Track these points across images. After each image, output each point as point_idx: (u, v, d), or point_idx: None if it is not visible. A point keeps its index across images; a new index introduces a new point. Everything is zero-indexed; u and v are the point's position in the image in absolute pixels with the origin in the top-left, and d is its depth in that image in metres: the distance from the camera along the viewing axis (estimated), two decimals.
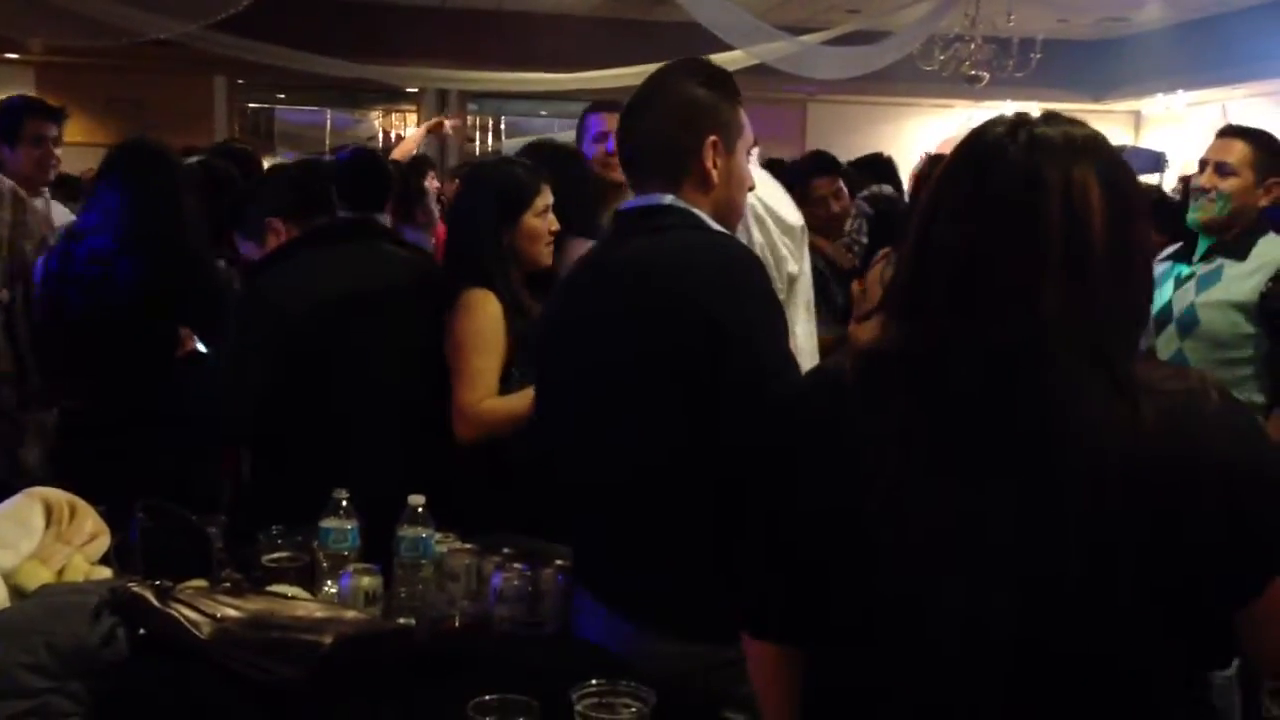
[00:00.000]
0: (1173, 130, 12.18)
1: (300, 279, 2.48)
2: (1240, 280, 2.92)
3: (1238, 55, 9.97)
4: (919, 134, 12.95)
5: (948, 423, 1.18)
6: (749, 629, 1.39)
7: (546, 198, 2.57)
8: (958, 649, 1.16)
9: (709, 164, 1.84)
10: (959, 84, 9.62)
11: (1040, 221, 1.16)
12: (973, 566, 1.15)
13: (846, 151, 8.47)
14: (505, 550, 2.01)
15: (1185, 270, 3.05)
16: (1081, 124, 1.24)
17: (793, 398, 1.38)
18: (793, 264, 2.59)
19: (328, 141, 12.26)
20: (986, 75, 9.18)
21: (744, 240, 2.47)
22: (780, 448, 1.32)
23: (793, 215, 2.61)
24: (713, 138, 1.84)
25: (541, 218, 2.56)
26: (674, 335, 1.74)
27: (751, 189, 2.04)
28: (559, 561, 1.96)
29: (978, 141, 1.24)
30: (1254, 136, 3.06)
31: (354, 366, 2.47)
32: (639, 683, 1.49)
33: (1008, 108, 12.12)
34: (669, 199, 1.83)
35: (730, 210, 1.92)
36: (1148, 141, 12.20)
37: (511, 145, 13.13)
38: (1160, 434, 1.12)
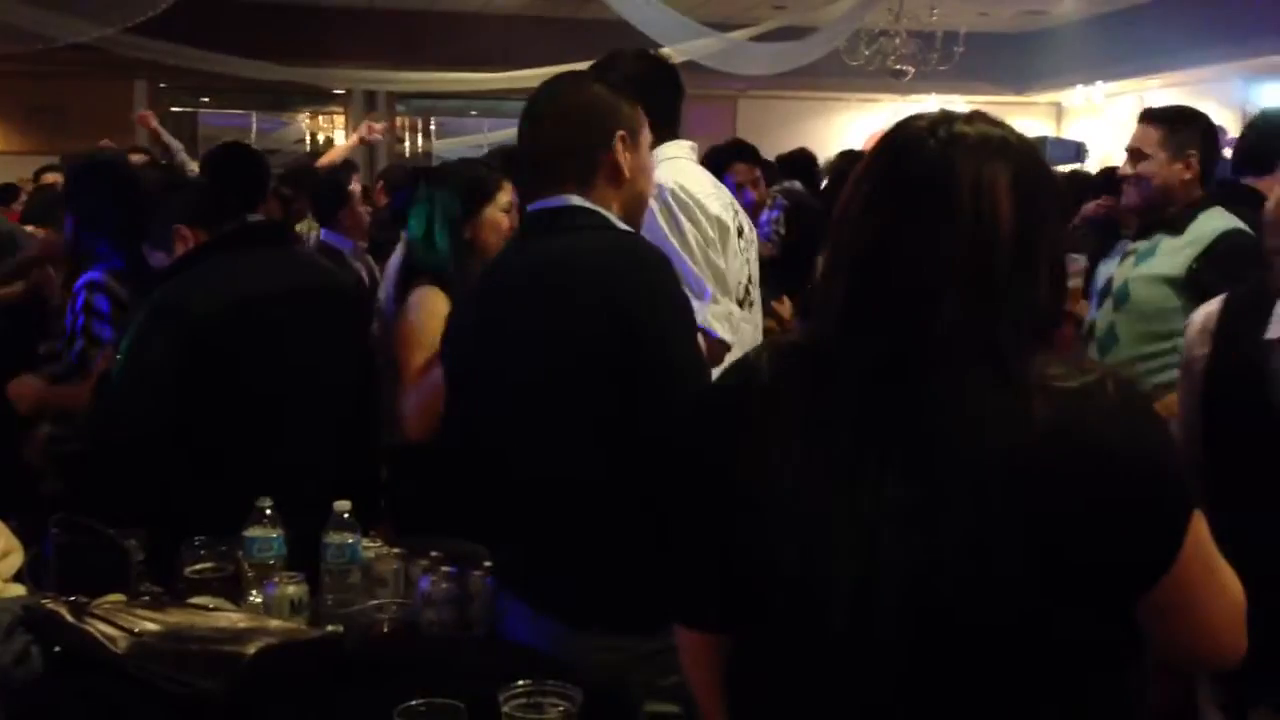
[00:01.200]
0: (1092, 121, 12.46)
1: (209, 285, 2.43)
2: (1172, 255, 2.95)
3: (1153, 47, 10.22)
4: (848, 128, 13.09)
5: (844, 418, 1.19)
6: (676, 618, 1.42)
7: (509, 194, 2.62)
8: (854, 641, 1.17)
9: (621, 159, 1.86)
10: (885, 78, 9.75)
11: (948, 217, 1.16)
12: (865, 562, 1.16)
13: (778, 146, 8.55)
14: (433, 554, 2.00)
15: (1130, 245, 3.12)
16: (1002, 125, 1.24)
17: (709, 390, 1.39)
18: (719, 256, 2.54)
19: (253, 145, 12.07)
20: (911, 69, 9.32)
21: (672, 229, 2.46)
22: (695, 437, 1.33)
23: (714, 207, 2.55)
24: (621, 133, 1.88)
25: (506, 214, 2.61)
26: (590, 334, 1.75)
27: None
28: (487, 563, 1.95)
29: (897, 135, 1.25)
30: (1160, 116, 3.13)
31: (270, 373, 2.43)
32: (566, 681, 1.49)
33: (933, 101, 12.39)
34: (576, 200, 1.84)
35: (640, 205, 1.96)
36: (1069, 132, 12.46)
37: (443, 146, 13.04)
38: (1051, 431, 1.12)
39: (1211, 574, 1.22)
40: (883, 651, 1.17)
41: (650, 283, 1.78)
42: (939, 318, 1.15)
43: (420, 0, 10.68)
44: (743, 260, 2.64)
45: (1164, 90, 11.51)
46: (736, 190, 4.39)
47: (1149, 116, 3.17)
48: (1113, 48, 10.94)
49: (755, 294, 2.69)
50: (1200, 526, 1.19)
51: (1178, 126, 3.05)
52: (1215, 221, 2.94)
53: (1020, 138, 1.24)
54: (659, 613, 1.79)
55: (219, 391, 2.36)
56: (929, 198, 1.18)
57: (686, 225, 2.49)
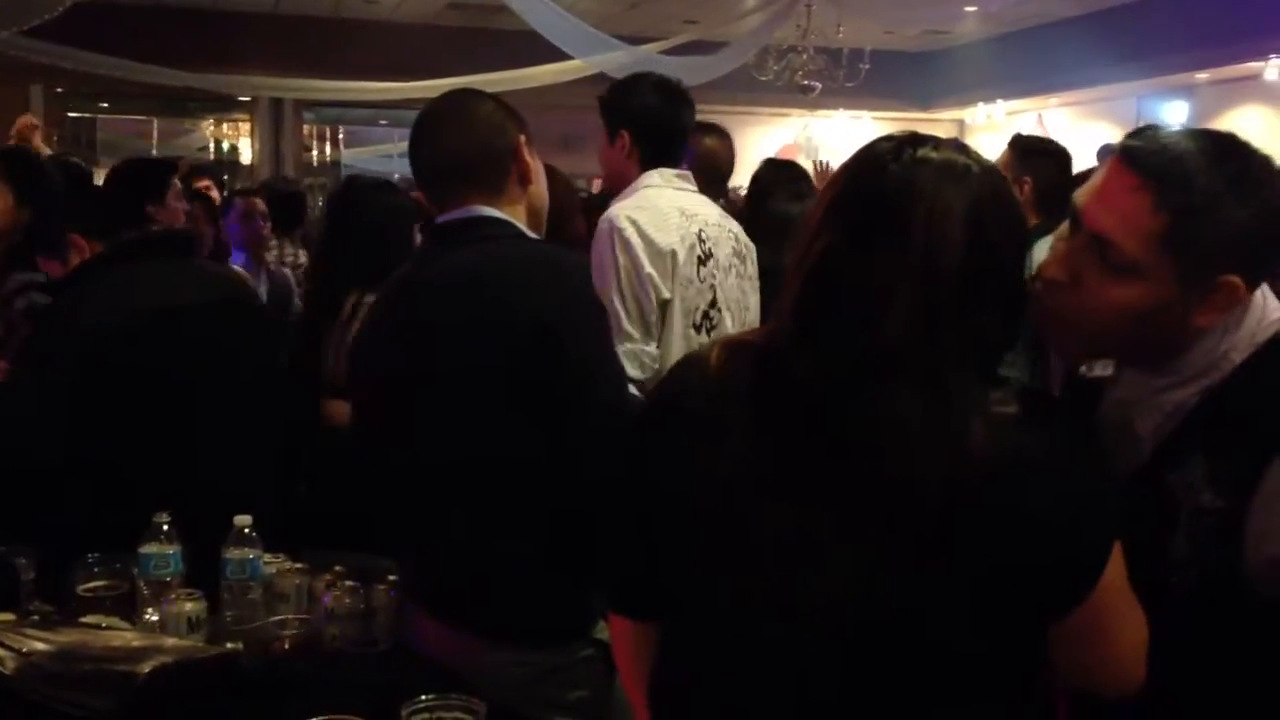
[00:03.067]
0: (994, 138, 12.76)
1: (105, 298, 2.36)
2: None
3: (1051, 67, 10.54)
4: (760, 142, 13.23)
5: (783, 426, 1.20)
6: (609, 605, 1.45)
7: None
8: (778, 650, 1.19)
9: (527, 160, 1.90)
10: (794, 93, 9.88)
11: (899, 238, 1.17)
12: (794, 574, 1.18)
13: None
14: (336, 568, 1.98)
15: None
16: (970, 154, 1.23)
17: (658, 385, 1.41)
18: (665, 289, 2.59)
19: (154, 152, 11.81)
20: (819, 85, 9.46)
21: (609, 261, 2.56)
22: (641, 431, 1.36)
23: (665, 239, 2.61)
24: (522, 136, 1.91)
25: None
26: (504, 342, 1.74)
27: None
28: (391, 577, 1.94)
29: (865, 153, 1.26)
30: (1018, 141, 3.24)
31: (171, 387, 2.37)
32: (470, 694, 1.48)
33: (841, 116, 12.57)
34: (486, 210, 1.84)
35: (543, 206, 1.99)
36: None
37: (351, 156, 12.88)
38: (986, 458, 1.13)
39: (1124, 602, 1.24)
40: (808, 663, 1.18)
41: (566, 290, 1.78)
42: (880, 336, 1.15)
43: (329, 8, 10.55)
44: (705, 286, 2.68)
45: (1061, 108, 11.88)
46: None
47: (1012, 141, 3.28)
48: (1013, 67, 11.25)
49: (723, 317, 2.74)
50: (1116, 562, 1.21)
51: (1027, 153, 3.13)
52: (1038, 252, 3.00)
53: (988, 170, 1.22)
54: (565, 627, 1.81)
55: (113, 407, 2.30)
56: (883, 217, 1.18)
57: (621, 258, 2.57)
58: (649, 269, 2.58)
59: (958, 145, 1.24)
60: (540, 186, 1.97)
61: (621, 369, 1.84)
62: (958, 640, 1.16)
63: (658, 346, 2.57)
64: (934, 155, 1.21)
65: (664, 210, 2.65)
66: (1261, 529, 1.24)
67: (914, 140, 1.23)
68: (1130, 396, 1.36)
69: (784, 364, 1.21)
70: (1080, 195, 1.33)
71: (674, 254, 2.60)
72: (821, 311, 1.20)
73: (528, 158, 1.91)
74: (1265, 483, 1.23)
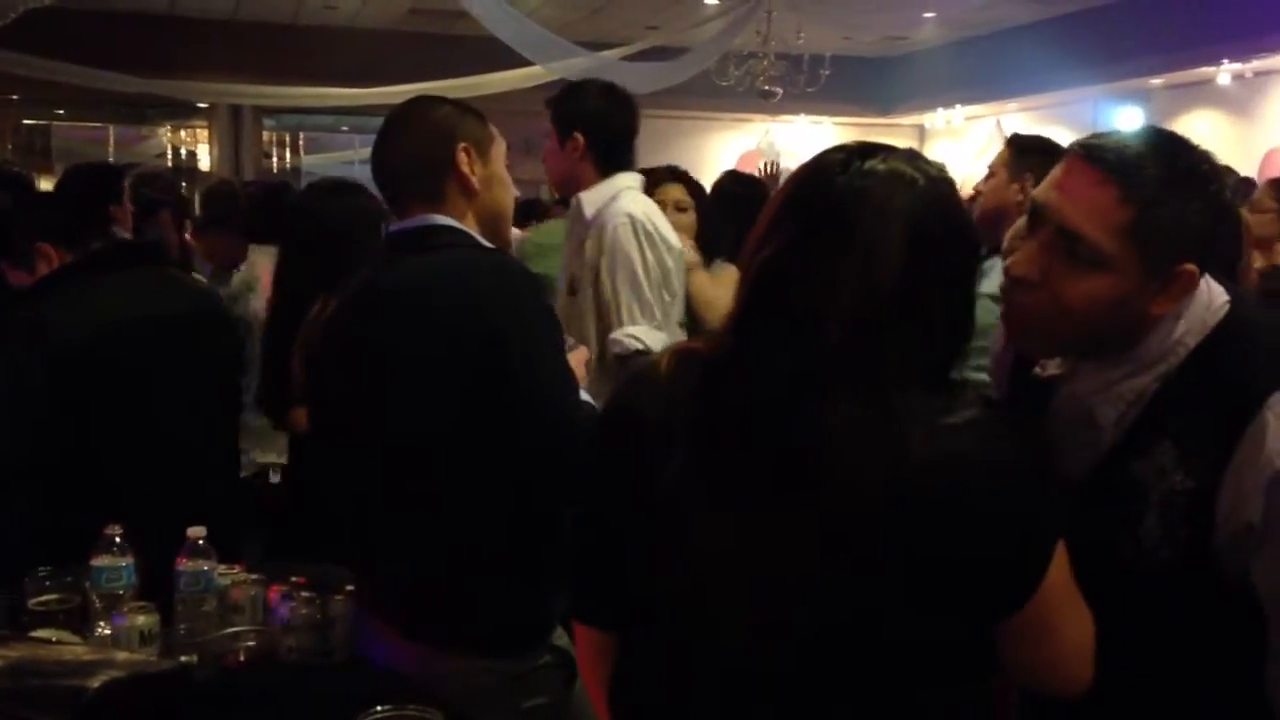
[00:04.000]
0: (953, 143, 12.90)
1: (75, 308, 2.33)
2: (998, 275, 3.07)
3: (1009, 72, 10.64)
4: (722, 147, 13.29)
5: (726, 434, 1.21)
6: (574, 615, 1.45)
7: None
8: (733, 655, 1.20)
9: (465, 170, 1.87)
10: (755, 99, 9.92)
11: (842, 248, 1.17)
12: (736, 577, 1.19)
13: (651, 165, 8.62)
14: (292, 579, 1.96)
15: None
16: (920, 165, 1.23)
17: (616, 393, 1.40)
18: (676, 285, 2.80)
19: (112, 159, 11.68)
20: (779, 91, 9.50)
21: (636, 256, 2.68)
22: (600, 439, 1.37)
23: (673, 239, 2.80)
24: (463, 145, 1.89)
25: None
26: (458, 352, 1.74)
27: (519, 197, 2.10)
28: (349, 587, 1.92)
29: (813, 165, 1.27)
30: (1016, 139, 3.26)
31: (140, 399, 2.34)
32: (426, 704, 1.47)
33: (802, 122, 12.60)
34: (437, 218, 1.84)
35: (498, 215, 1.97)
36: (932, 153, 12.70)
37: (312, 162, 12.79)
38: (925, 467, 1.14)
39: (1068, 603, 1.25)
40: (761, 665, 1.20)
41: (517, 299, 1.77)
42: (822, 345, 1.16)
43: (288, 13, 10.48)
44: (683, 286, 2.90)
45: (1019, 113, 12.00)
46: None
47: (1009, 138, 3.30)
48: (971, 72, 11.35)
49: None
50: (1062, 557, 1.22)
51: (1024, 151, 3.17)
52: None
53: (935, 180, 1.23)
54: (523, 635, 1.81)
55: (77, 416, 2.27)
56: (827, 226, 1.19)
57: (650, 255, 2.71)
58: (670, 264, 2.76)
59: (908, 155, 1.24)
60: (493, 195, 1.95)
61: (573, 377, 1.83)
62: (909, 637, 1.17)
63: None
64: (881, 166, 1.21)
65: (659, 211, 2.82)
66: (1233, 498, 1.28)
67: (863, 151, 1.24)
68: (1087, 389, 1.39)
69: (728, 373, 1.22)
70: (1041, 193, 1.36)
71: (680, 253, 2.81)
72: (765, 320, 1.21)
73: (466, 169, 1.89)
74: (1236, 455, 1.27)
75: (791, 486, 1.17)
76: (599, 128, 2.77)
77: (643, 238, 2.70)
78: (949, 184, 1.25)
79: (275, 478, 3.67)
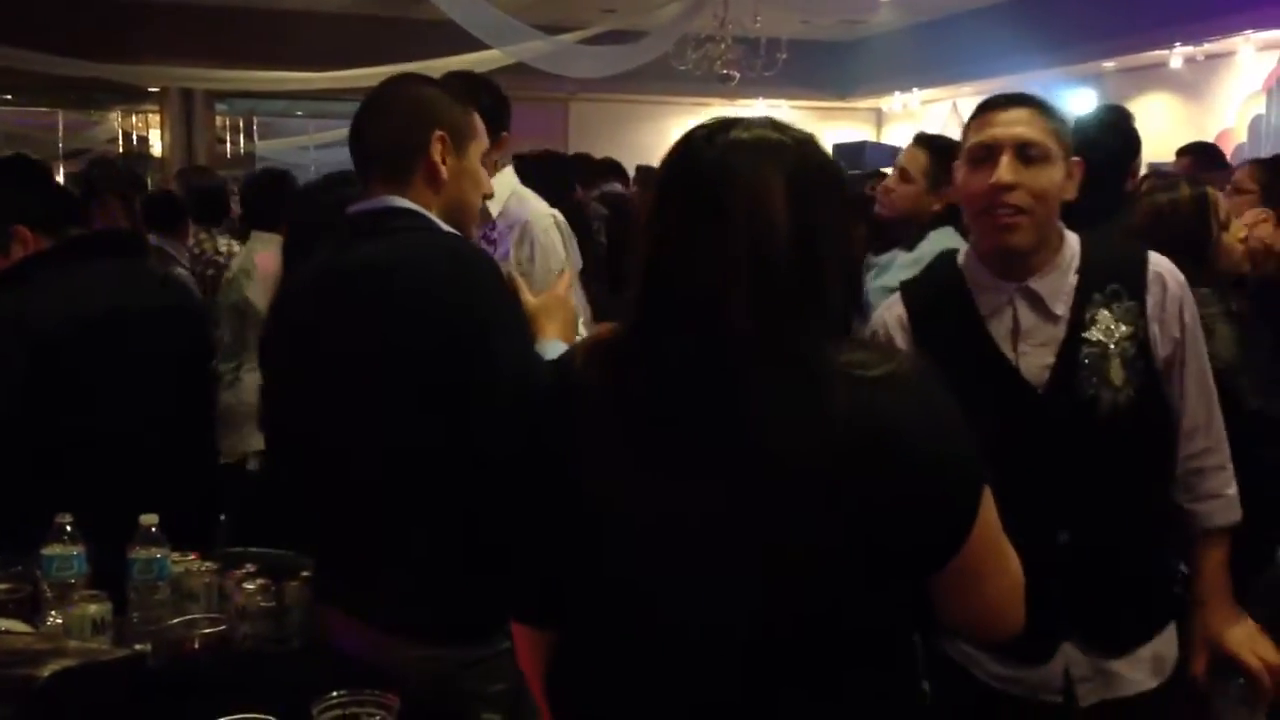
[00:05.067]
0: (911, 126, 12.94)
1: (53, 297, 2.29)
2: (904, 269, 3.06)
3: (964, 56, 10.71)
4: (680, 130, 13.20)
5: (650, 420, 1.21)
6: (510, 613, 1.44)
7: None
8: (679, 640, 1.21)
9: (436, 159, 1.83)
10: (713, 83, 9.91)
11: (723, 219, 1.19)
12: (680, 559, 1.19)
13: (609, 149, 8.60)
14: (247, 566, 1.94)
15: (871, 259, 3.29)
16: (784, 129, 1.27)
17: (543, 390, 1.39)
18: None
19: (61, 145, 11.48)
20: (737, 74, 9.49)
21: (564, 255, 2.69)
22: (529, 436, 1.35)
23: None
24: (439, 133, 1.85)
25: None
26: (412, 335, 1.72)
27: (489, 196, 2.06)
28: (304, 574, 1.91)
29: (681, 144, 1.28)
30: (931, 143, 3.29)
31: (111, 393, 2.30)
32: (384, 690, 1.46)
33: (760, 106, 12.58)
34: (398, 201, 1.81)
35: (462, 210, 1.92)
36: (889, 137, 12.92)
37: (266, 148, 12.63)
38: (851, 421, 1.16)
39: (997, 548, 1.29)
40: (710, 648, 1.20)
41: (471, 282, 1.75)
42: (729, 316, 1.17)
43: None
44: None
45: (975, 97, 12.02)
46: None
47: (926, 141, 3.35)
48: (927, 56, 11.41)
49: None
50: (989, 506, 1.25)
51: (944, 156, 3.20)
52: (943, 241, 3.03)
53: (802, 141, 1.26)
54: (482, 621, 1.80)
55: (53, 408, 2.23)
56: (706, 201, 1.21)
57: (575, 252, 2.78)
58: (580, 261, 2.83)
59: (770, 122, 1.28)
60: (461, 189, 1.89)
61: (536, 360, 1.81)
62: (855, 603, 1.20)
63: None
64: (745, 135, 1.24)
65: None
66: (1160, 327, 1.88)
67: (724, 124, 1.26)
68: (1048, 291, 1.88)
69: (642, 354, 1.23)
70: (988, 135, 1.87)
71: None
72: (668, 299, 1.22)
73: (437, 157, 1.84)
74: (1149, 299, 1.87)
75: (723, 463, 1.18)
76: (498, 121, 2.74)
77: (567, 238, 2.73)
78: (815, 143, 1.29)
79: (253, 465, 3.65)
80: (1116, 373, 1.84)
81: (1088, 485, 1.83)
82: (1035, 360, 1.85)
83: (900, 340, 1.92)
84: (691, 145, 1.26)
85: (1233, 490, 1.94)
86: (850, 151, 10.41)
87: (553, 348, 1.88)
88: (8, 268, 2.37)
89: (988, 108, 1.91)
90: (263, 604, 1.88)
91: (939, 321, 1.92)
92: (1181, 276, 1.94)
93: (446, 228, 1.82)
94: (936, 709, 1.48)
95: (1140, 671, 1.86)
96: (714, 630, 1.20)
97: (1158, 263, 1.92)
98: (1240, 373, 2.45)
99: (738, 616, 1.19)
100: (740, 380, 1.18)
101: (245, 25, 10.47)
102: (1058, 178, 1.85)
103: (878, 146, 11.15)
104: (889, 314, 1.97)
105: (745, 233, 1.19)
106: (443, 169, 1.85)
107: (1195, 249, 2.57)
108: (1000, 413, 1.71)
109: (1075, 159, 1.90)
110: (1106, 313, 1.86)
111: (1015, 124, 1.85)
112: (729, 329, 1.18)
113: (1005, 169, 1.82)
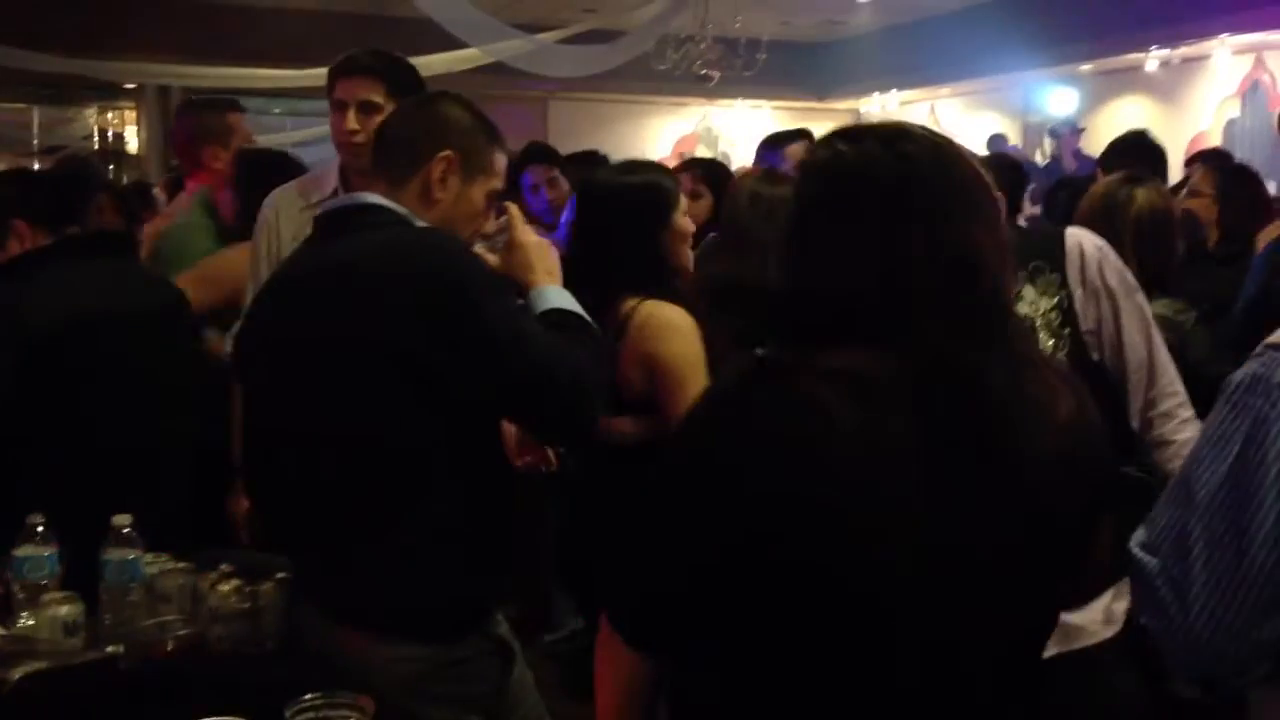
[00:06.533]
0: None
1: (50, 294, 2.27)
2: None
3: (941, 58, 10.75)
4: (661, 130, 13.28)
5: (938, 439, 1.17)
6: (626, 633, 1.29)
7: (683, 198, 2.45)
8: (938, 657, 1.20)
9: (435, 176, 1.82)
10: (693, 83, 9.92)
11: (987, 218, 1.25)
12: (969, 587, 1.20)
13: (589, 148, 8.58)
14: (222, 567, 1.93)
15: None
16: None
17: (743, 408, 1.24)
18: None
19: (36, 141, 11.39)
20: (717, 74, 9.51)
21: None
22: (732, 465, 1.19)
23: None
24: (447, 153, 1.82)
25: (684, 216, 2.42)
26: (393, 335, 1.70)
27: (487, 236, 2.00)
28: (280, 575, 1.89)
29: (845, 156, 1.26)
30: (1205, 156, 3.40)
31: (105, 393, 2.29)
32: (358, 691, 1.45)
33: (740, 106, 12.59)
34: (373, 197, 1.80)
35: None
36: None
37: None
38: (1073, 414, 1.24)
39: None
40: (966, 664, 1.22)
41: (452, 270, 1.72)
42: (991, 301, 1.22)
43: None
44: None
45: (953, 99, 12.14)
46: (532, 191, 4.39)
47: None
48: (905, 58, 11.44)
49: None
50: None
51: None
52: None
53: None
54: (459, 621, 1.79)
55: (48, 406, 2.21)
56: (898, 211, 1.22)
57: None
58: None
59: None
60: (453, 215, 1.85)
61: (534, 326, 1.78)
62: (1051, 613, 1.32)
63: None
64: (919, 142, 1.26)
65: None
66: (1084, 297, 2.06)
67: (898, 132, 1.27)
68: None
69: (914, 380, 1.18)
70: None
71: None
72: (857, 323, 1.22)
73: (436, 175, 1.81)
74: (1068, 272, 2.05)
75: (1003, 487, 1.19)
76: None
77: None
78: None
79: None
80: (1044, 342, 2.03)
81: None
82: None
83: None
84: (859, 156, 1.26)
85: (1184, 436, 2.02)
86: None
87: (554, 294, 1.87)
88: (5, 262, 2.36)
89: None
90: (237, 605, 1.86)
91: None
92: (1101, 241, 2.12)
93: (420, 222, 1.80)
94: None
95: (1095, 623, 1.96)
96: (973, 647, 1.22)
97: (1074, 234, 2.11)
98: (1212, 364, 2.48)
99: (1000, 633, 1.23)
100: (999, 377, 1.19)
101: (222, 22, 10.40)
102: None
103: None
104: None
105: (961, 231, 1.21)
106: (438, 188, 1.83)
107: (1163, 260, 2.62)
108: None
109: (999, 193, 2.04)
110: (1030, 288, 2.05)
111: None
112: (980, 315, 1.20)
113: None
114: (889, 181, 1.21)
